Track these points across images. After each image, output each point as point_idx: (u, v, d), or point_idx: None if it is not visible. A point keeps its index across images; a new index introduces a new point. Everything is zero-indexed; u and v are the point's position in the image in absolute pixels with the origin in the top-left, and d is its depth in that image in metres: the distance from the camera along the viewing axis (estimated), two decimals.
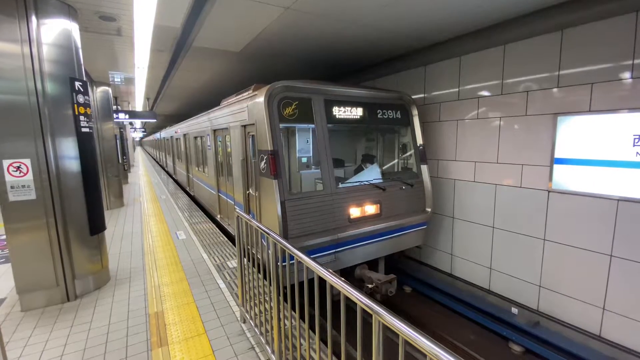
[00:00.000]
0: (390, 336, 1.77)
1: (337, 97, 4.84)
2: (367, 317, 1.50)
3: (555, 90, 4.32)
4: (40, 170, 3.62)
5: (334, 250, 4.52)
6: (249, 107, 4.85)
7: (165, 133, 19.82)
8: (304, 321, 2.12)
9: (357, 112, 5.07)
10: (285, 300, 2.40)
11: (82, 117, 3.88)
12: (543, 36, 4.37)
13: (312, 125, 4.69)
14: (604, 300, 4.07)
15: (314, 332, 2.38)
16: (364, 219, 4.85)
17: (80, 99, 3.86)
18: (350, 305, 1.61)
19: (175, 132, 14.56)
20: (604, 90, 3.88)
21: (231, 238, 6.54)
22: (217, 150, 7.52)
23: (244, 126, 5.19)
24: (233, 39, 5.47)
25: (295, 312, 2.24)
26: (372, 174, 5.31)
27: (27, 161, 3.55)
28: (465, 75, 5.49)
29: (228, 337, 3.14)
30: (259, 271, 2.97)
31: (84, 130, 3.91)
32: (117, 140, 10.81)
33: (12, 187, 3.51)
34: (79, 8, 4.01)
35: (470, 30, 5.03)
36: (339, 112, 4.86)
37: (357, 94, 5.11)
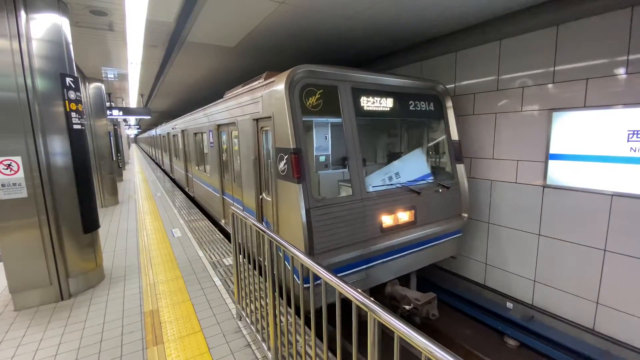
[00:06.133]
0: (388, 332, 1.75)
1: (366, 86, 4.19)
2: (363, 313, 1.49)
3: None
4: (32, 168, 3.57)
5: (365, 266, 3.95)
6: (263, 98, 4.17)
7: (161, 129, 19.05)
8: (299, 317, 2.11)
9: (387, 103, 4.39)
10: (281, 297, 2.39)
11: (73, 114, 3.82)
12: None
13: (338, 119, 4.02)
14: (597, 294, 4.12)
15: (309, 328, 2.37)
16: (398, 228, 4.24)
17: (72, 95, 3.80)
18: (346, 300, 1.60)
19: (173, 128, 13.77)
20: (601, 86, 3.89)
21: (228, 235, 6.51)
22: (221, 147, 6.84)
23: (256, 120, 4.52)
24: (227, 33, 5.41)
25: (291, 308, 2.23)
26: (404, 175, 4.64)
27: (18, 159, 3.49)
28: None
29: (224, 335, 3.13)
30: (254, 268, 2.95)
31: (75, 127, 3.85)
32: (111, 137, 10.71)
33: (2, 185, 3.45)
34: (69, 2, 3.94)
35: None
36: (368, 102, 4.19)
37: (388, 82, 4.44)
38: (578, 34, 4.01)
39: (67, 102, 3.75)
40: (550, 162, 4.37)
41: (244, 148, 5.16)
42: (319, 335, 2.98)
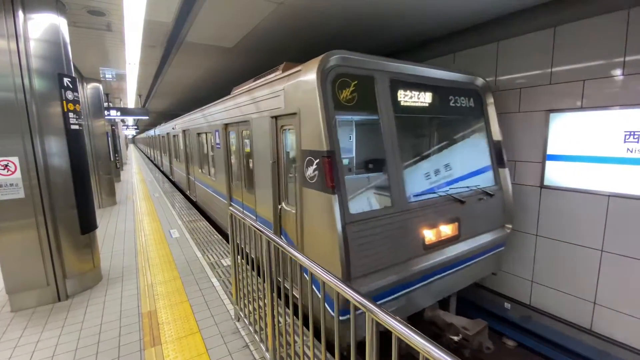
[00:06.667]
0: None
1: (404, 77, 3.69)
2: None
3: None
4: (29, 169, 3.55)
5: (405, 291, 3.44)
6: (286, 91, 3.63)
7: (160, 129, 18.35)
8: (297, 318, 2.10)
9: (426, 99, 3.90)
10: (279, 297, 2.39)
11: (71, 114, 3.81)
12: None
13: (372, 116, 3.48)
14: (594, 295, 4.13)
15: (307, 329, 2.37)
16: (441, 244, 3.76)
17: (69, 95, 3.79)
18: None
19: (173, 128, 13.01)
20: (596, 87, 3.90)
21: (227, 237, 6.49)
22: (229, 149, 6.21)
23: (276, 118, 3.97)
24: (226, 34, 5.41)
25: (289, 309, 2.22)
26: (446, 182, 4.11)
27: (15, 159, 3.48)
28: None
29: (222, 336, 3.13)
30: (252, 269, 2.95)
31: (73, 127, 3.84)
32: (109, 138, 10.68)
33: None
34: (67, 2, 3.93)
35: None
36: (405, 97, 3.67)
37: (429, 73, 3.94)
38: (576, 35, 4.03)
39: (64, 102, 3.74)
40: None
41: (258, 150, 4.56)
42: (317, 336, 2.98)
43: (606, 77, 3.81)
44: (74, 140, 3.87)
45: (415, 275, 3.42)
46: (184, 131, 10.68)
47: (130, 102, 14.59)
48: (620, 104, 3.71)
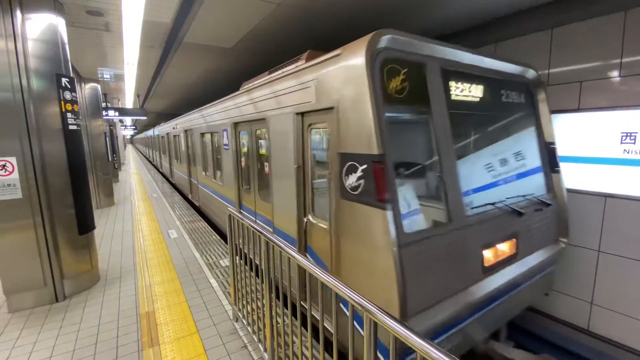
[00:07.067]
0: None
1: (456, 66, 3.12)
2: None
3: None
4: (27, 169, 3.54)
5: (463, 324, 2.85)
6: (319, 81, 3.07)
7: (159, 130, 17.75)
8: (296, 318, 2.11)
9: (477, 92, 3.34)
10: (277, 297, 2.39)
11: (69, 114, 3.80)
12: None
13: (422, 112, 2.88)
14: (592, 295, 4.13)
15: (306, 329, 2.37)
16: (499, 265, 3.20)
17: (67, 95, 3.78)
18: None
19: (173, 128, 12.39)
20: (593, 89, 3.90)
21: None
22: (239, 150, 5.65)
23: (302, 114, 3.45)
24: (225, 34, 5.41)
25: (287, 309, 2.22)
26: (500, 191, 3.43)
27: (13, 159, 3.47)
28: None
29: (220, 336, 3.13)
30: (251, 269, 2.95)
31: (71, 127, 3.83)
32: (107, 138, 10.66)
33: None
34: (66, 2, 3.93)
35: None
36: (457, 90, 3.11)
37: (482, 63, 3.36)
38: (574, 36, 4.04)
39: (62, 102, 3.73)
40: None
41: (277, 152, 4.02)
42: (315, 336, 2.98)
43: (603, 78, 3.82)
44: (72, 141, 3.86)
45: (476, 305, 2.84)
46: (185, 131, 10.15)
47: (129, 102, 14.56)
48: (618, 105, 3.71)
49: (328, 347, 2.56)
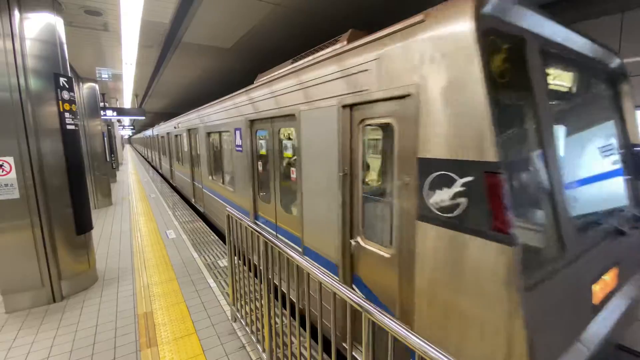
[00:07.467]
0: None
1: (555, 47, 2.41)
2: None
3: None
4: (24, 169, 3.53)
5: None
6: (384, 61, 2.37)
7: (159, 129, 16.86)
8: (294, 319, 2.11)
9: (568, 81, 2.74)
10: (276, 298, 2.39)
11: (67, 114, 3.79)
12: None
13: (520, 101, 2.18)
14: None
15: (304, 329, 2.38)
16: (605, 299, 2.53)
17: (65, 95, 3.77)
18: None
19: (175, 127, 11.58)
20: None
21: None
22: (255, 152, 4.92)
23: (351, 107, 2.76)
24: (223, 34, 5.41)
25: (285, 310, 2.22)
26: (597, 204, 2.76)
27: (10, 159, 3.46)
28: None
29: (219, 337, 3.12)
30: (249, 270, 2.95)
31: (69, 127, 3.82)
32: (105, 138, 10.63)
33: None
34: (64, 2, 3.92)
35: None
36: (553, 77, 2.51)
37: (576, 44, 2.61)
38: None
39: (60, 102, 3.72)
40: None
41: (311, 155, 3.34)
42: (314, 336, 2.97)
43: None
44: (70, 141, 3.85)
45: (592, 350, 2.19)
46: (189, 130, 9.29)
47: (127, 102, 14.54)
48: None
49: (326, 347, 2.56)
